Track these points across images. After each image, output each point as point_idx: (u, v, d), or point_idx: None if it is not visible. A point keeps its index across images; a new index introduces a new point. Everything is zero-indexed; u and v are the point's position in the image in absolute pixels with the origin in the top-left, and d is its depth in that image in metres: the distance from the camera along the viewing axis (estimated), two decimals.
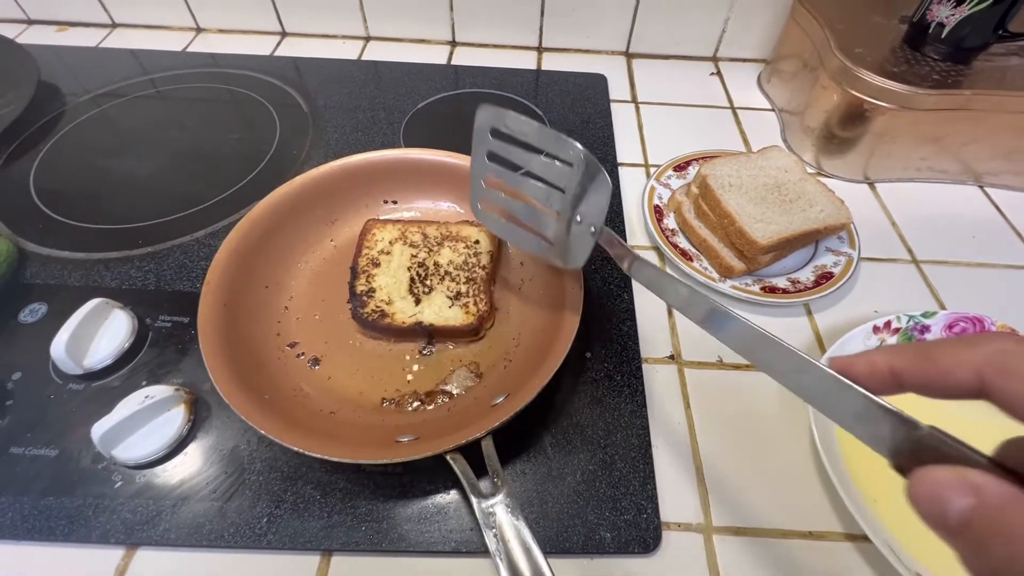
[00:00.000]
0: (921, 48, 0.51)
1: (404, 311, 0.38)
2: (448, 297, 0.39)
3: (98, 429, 0.31)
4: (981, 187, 0.55)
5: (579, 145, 0.28)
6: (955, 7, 0.47)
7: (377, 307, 0.38)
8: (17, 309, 0.40)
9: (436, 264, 0.41)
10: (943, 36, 0.49)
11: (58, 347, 0.35)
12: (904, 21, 0.53)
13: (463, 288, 0.39)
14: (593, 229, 0.29)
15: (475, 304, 0.39)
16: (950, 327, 0.39)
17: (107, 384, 0.36)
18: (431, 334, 0.38)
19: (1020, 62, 0.50)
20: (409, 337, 0.38)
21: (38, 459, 0.33)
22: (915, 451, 0.16)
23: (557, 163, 0.29)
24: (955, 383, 0.16)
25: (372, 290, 0.39)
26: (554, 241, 0.30)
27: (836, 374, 0.18)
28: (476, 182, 0.34)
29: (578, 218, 0.29)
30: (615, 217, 0.49)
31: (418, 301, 0.38)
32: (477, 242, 0.42)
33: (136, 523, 0.31)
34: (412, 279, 0.40)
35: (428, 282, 0.40)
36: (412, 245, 0.42)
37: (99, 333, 0.37)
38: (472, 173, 0.33)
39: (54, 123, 0.57)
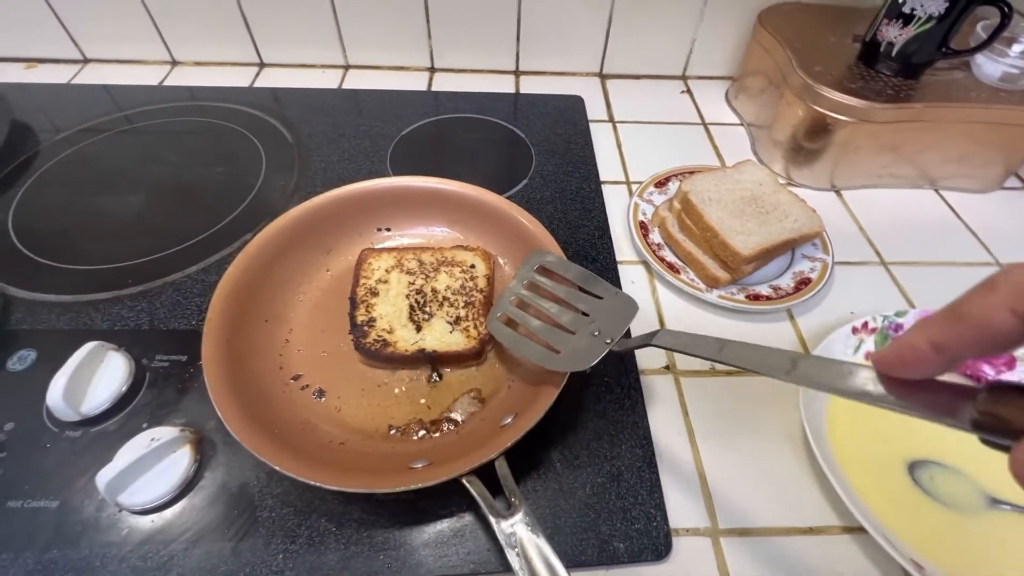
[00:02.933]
0: (874, 65, 0.55)
1: (406, 339, 0.38)
2: (448, 323, 0.40)
3: (104, 476, 0.31)
4: (937, 190, 0.59)
5: (612, 285, 0.35)
6: (902, 28, 0.50)
7: (379, 336, 0.38)
8: (5, 357, 0.39)
9: (434, 290, 0.41)
10: (893, 54, 0.52)
11: (55, 394, 0.34)
12: (857, 40, 0.57)
13: (462, 312, 0.40)
14: (609, 340, 0.32)
15: (475, 327, 0.39)
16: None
17: (105, 429, 0.36)
18: (434, 360, 0.38)
19: (963, 76, 0.55)
20: (412, 364, 0.39)
21: (39, 512, 0.32)
22: (996, 412, 0.16)
23: (590, 296, 0.35)
24: (999, 331, 0.15)
25: (373, 320, 0.39)
26: (562, 350, 0.33)
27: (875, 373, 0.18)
28: (504, 299, 0.38)
29: (596, 332, 0.33)
30: (602, 235, 0.50)
31: (419, 328, 0.39)
32: (473, 266, 0.43)
33: (147, 570, 0.30)
34: (412, 307, 0.40)
35: (427, 309, 0.40)
36: (409, 272, 0.43)
37: (96, 377, 0.36)
38: (504, 292, 0.38)
39: (29, 163, 0.56)
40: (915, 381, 0.18)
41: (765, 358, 0.24)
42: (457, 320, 0.40)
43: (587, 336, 0.33)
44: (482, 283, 0.42)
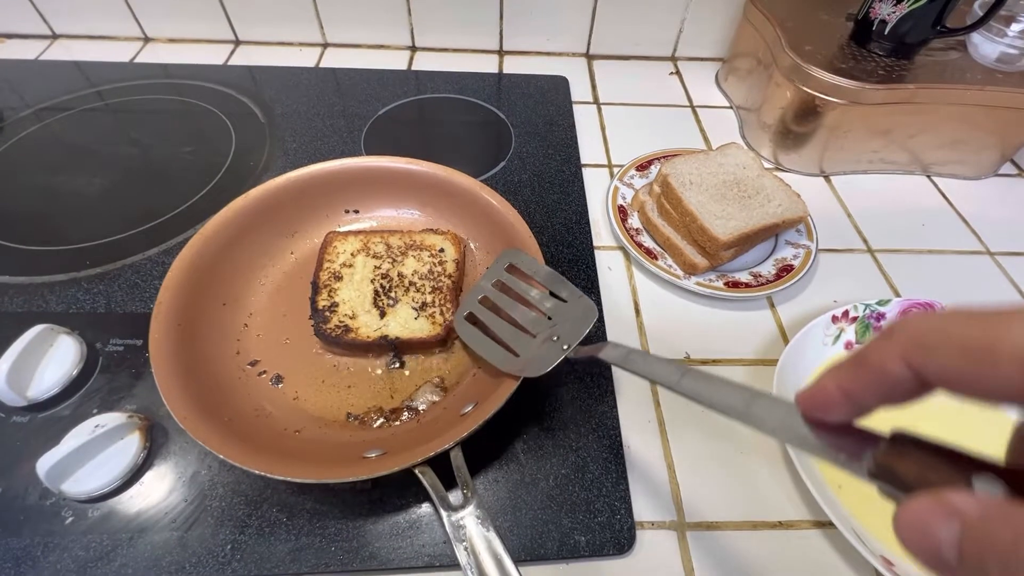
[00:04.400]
0: (867, 44, 0.53)
1: (369, 325, 0.37)
2: (414, 308, 0.38)
3: (44, 463, 0.29)
4: (929, 176, 0.57)
5: (577, 288, 0.34)
6: (896, 4, 0.48)
7: (341, 322, 0.37)
8: None
9: (400, 275, 0.40)
10: (886, 32, 0.50)
11: None
12: (850, 18, 0.55)
13: (429, 298, 0.39)
14: (566, 347, 0.31)
15: (442, 314, 0.38)
16: (904, 314, 0.40)
17: (55, 414, 0.34)
18: (397, 347, 0.37)
19: (958, 56, 0.53)
20: (375, 351, 0.38)
21: None
22: (891, 465, 0.15)
23: (554, 297, 0.34)
24: (895, 380, 0.15)
25: (335, 305, 0.38)
26: (521, 354, 0.33)
27: (793, 412, 0.18)
28: (472, 298, 0.37)
29: (555, 336, 0.32)
30: (580, 219, 0.49)
31: (383, 314, 0.38)
32: (442, 250, 0.42)
33: (89, 560, 0.29)
34: (376, 292, 0.39)
35: (393, 294, 0.39)
36: (375, 256, 0.41)
37: (44, 361, 0.35)
38: (473, 290, 0.37)
39: None
40: (832, 424, 0.17)
41: (721, 393, 0.22)
42: (423, 306, 0.38)
43: (547, 341, 0.32)
44: (451, 268, 0.41)
